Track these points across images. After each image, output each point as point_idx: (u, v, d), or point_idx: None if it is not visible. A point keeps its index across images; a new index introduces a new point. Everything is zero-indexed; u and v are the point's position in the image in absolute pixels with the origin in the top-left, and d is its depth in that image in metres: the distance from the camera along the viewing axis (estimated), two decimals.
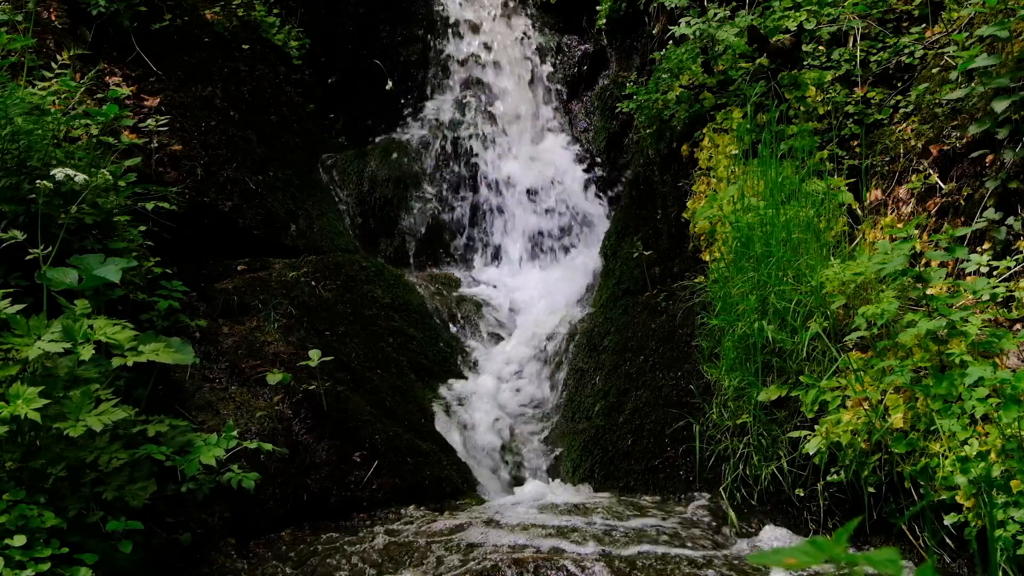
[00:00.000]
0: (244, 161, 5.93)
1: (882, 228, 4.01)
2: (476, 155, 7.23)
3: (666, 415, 4.46)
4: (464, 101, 7.56)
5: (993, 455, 2.93)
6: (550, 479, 4.92)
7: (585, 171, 7.16)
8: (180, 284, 4.22)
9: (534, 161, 7.22)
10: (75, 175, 3.46)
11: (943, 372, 3.20)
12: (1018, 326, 3.31)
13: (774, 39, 4.84)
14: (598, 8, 7.44)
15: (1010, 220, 3.56)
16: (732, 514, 3.86)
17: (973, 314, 3.23)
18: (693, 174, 5.02)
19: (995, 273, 3.45)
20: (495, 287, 6.57)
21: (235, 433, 3.47)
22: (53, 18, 5.38)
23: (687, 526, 3.89)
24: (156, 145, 5.28)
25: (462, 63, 7.74)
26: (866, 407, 3.36)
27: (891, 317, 3.37)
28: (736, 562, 3.37)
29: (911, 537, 3.28)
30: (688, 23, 5.11)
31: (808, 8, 4.99)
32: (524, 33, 7.89)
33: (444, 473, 4.64)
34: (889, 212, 4.14)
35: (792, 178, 4.18)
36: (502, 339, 6.08)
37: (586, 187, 7.09)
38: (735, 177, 4.51)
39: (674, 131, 5.33)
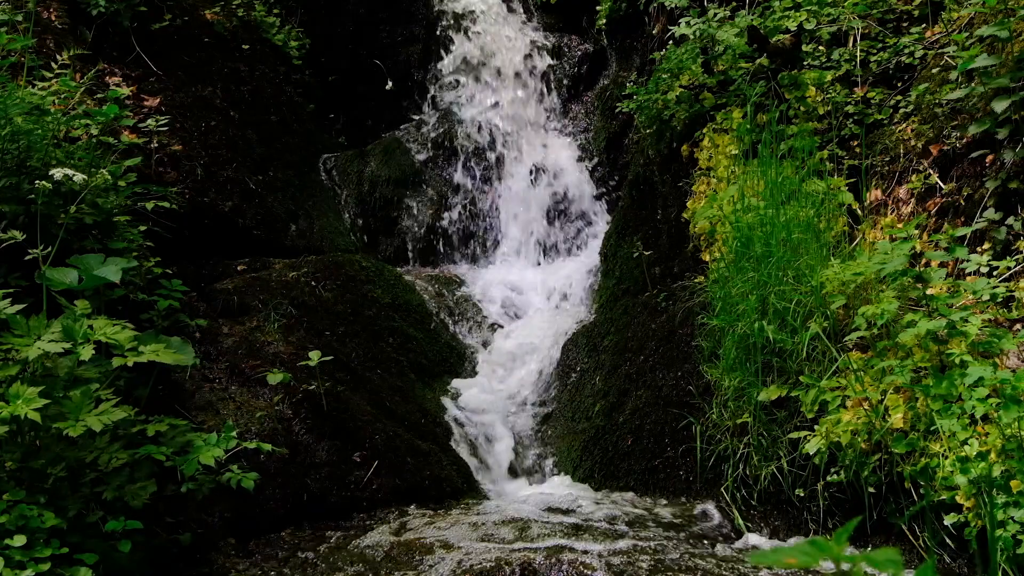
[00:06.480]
0: (244, 161, 5.93)
1: (882, 228, 4.01)
2: (476, 155, 7.23)
3: (666, 415, 4.46)
4: (464, 101, 7.56)
5: (993, 455, 2.93)
6: (550, 479, 4.92)
7: (585, 171, 7.16)
8: (180, 284, 4.22)
9: (534, 161, 7.22)
10: (74, 175, 3.46)
11: (943, 372, 3.20)
12: (1018, 326, 3.31)
13: (774, 39, 4.84)
14: (598, 8, 7.44)
15: (1010, 220, 3.56)
16: (736, 514, 3.86)
17: (973, 314, 3.23)
18: (693, 174, 5.01)
19: (995, 273, 3.45)
20: (495, 286, 6.56)
21: (234, 433, 3.47)
22: (53, 18, 5.38)
23: (687, 526, 3.89)
24: (156, 145, 5.28)
25: (462, 63, 7.74)
26: (866, 407, 3.36)
27: (891, 317, 3.37)
28: (736, 562, 3.37)
29: (911, 537, 3.28)
30: (688, 23, 5.11)
31: (808, 8, 4.99)
32: (524, 33, 7.89)
33: (444, 473, 4.64)
34: (889, 212, 4.14)
35: (792, 178, 4.18)
36: (502, 339, 6.08)
37: (586, 187, 7.09)
38: (735, 177, 4.50)
39: (674, 131, 5.33)
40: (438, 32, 7.82)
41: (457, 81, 7.69)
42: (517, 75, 7.67)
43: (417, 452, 4.61)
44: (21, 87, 4.09)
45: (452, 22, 7.85)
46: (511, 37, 7.84)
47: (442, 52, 7.77)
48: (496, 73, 7.67)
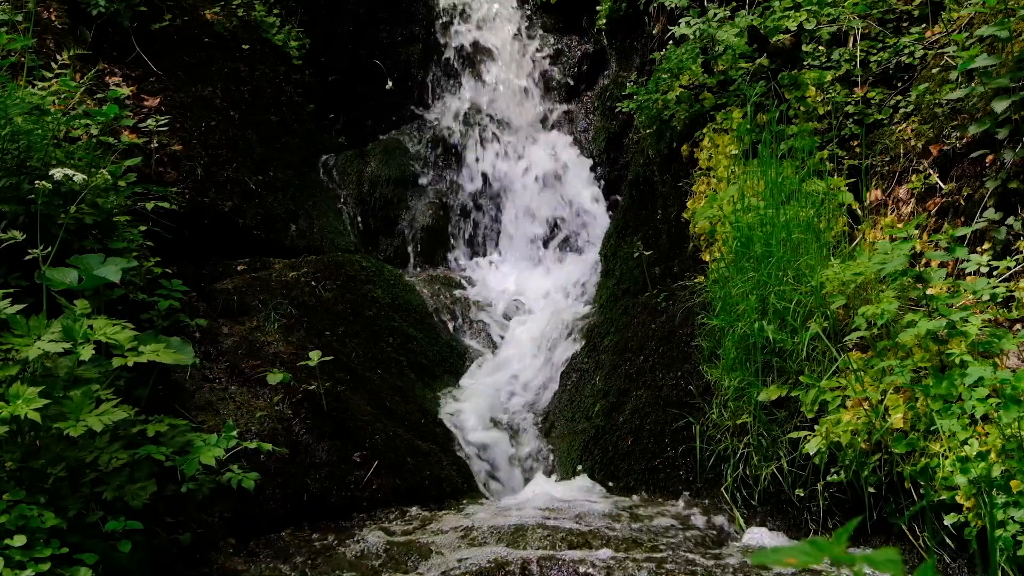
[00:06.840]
0: (244, 161, 5.93)
1: (882, 228, 4.01)
2: (476, 155, 7.23)
3: (666, 415, 4.46)
4: (463, 101, 7.56)
5: (993, 455, 2.93)
6: (550, 479, 4.91)
7: (585, 172, 7.16)
8: (180, 284, 4.22)
9: (534, 161, 7.22)
10: (74, 175, 3.46)
11: (943, 372, 3.20)
12: (1018, 326, 3.31)
13: (774, 39, 4.84)
14: (598, 8, 7.44)
15: (1010, 220, 3.56)
16: (737, 514, 3.86)
17: (973, 314, 3.23)
18: (693, 174, 5.01)
19: (995, 273, 3.45)
20: (495, 287, 6.56)
21: (235, 433, 3.47)
22: (53, 18, 5.38)
23: (687, 526, 3.89)
24: (156, 145, 5.28)
25: (462, 63, 7.73)
26: (866, 407, 3.36)
27: (891, 317, 3.37)
28: (736, 562, 3.37)
29: (911, 537, 3.28)
30: (688, 23, 5.11)
31: (808, 8, 4.99)
32: (524, 33, 7.89)
33: (444, 473, 4.64)
34: (889, 212, 4.14)
35: (792, 178, 4.18)
36: (502, 339, 6.08)
37: (586, 187, 7.09)
38: (735, 177, 4.50)
39: (674, 131, 5.33)
40: (438, 32, 7.80)
41: (456, 80, 7.67)
42: (516, 75, 7.66)
43: (417, 452, 4.61)
44: (21, 87, 4.09)
45: (452, 22, 7.83)
46: (510, 37, 7.82)
47: (442, 52, 7.75)
48: (495, 72, 7.64)
